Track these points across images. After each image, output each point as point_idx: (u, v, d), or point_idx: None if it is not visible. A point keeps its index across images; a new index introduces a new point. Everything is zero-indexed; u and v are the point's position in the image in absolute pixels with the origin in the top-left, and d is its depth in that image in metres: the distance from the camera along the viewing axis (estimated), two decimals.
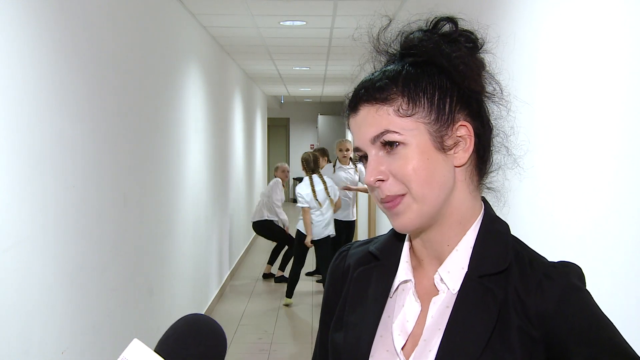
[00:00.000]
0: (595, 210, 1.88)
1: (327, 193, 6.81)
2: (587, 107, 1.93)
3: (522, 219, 2.47)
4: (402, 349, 1.03)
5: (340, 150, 7.68)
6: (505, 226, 1.06)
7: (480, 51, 1.08)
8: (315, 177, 6.80)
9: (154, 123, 4.49)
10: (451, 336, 0.99)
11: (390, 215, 1.04)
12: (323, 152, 8.01)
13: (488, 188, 1.11)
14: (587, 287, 1.03)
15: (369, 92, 1.03)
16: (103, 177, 3.33)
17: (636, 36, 1.66)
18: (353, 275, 1.14)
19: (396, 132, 1.00)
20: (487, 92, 1.07)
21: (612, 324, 0.97)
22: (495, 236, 1.04)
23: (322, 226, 6.83)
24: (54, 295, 2.72)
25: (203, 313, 1.01)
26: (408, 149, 1.00)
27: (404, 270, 1.08)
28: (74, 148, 2.93)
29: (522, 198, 2.50)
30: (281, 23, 6.38)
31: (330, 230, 6.89)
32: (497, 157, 1.09)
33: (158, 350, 0.90)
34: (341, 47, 7.73)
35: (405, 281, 1.08)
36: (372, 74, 1.07)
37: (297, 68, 10.02)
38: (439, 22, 1.08)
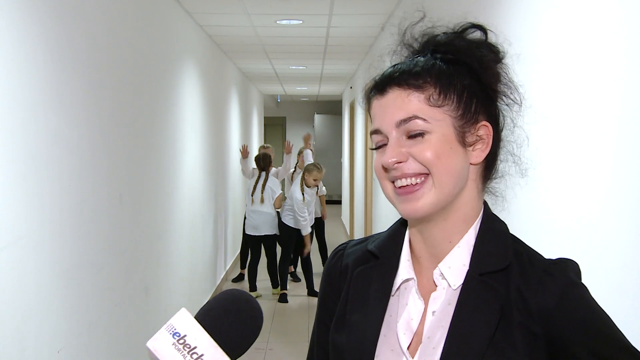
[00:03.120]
0: (591, 208, 1.88)
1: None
2: (585, 107, 1.94)
3: (519, 216, 2.47)
4: (408, 347, 1.04)
5: (315, 179, 7.42)
6: (504, 225, 1.08)
7: (501, 63, 1.10)
8: (263, 174, 7.41)
9: (150, 122, 4.48)
10: (456, 333, 1.00)
11: (401, 202, 1.04)
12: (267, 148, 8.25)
13: (491, 193, 1.13)
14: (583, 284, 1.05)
15: (402, 76, 1.03)
16: (99, 176, 3.32)
17: (635, 37, 1.66)
18: (353, 275, 1.13)
19: (424, 120, 1.01)
20: (507, 99, 1.10)
21: (610, 318, 0.99)
22: (495, 235, 1.06)
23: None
24: (49, 294, 2.71)
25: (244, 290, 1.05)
26: (432, 136, 1.01)
27: (406, 268, 1.09)
28: (70, 147, 2.93)
29: (521, 198, 2.50)
30: (278, 22, 6.37)
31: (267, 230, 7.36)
32: (503, 166, 1.12)
33: (200, 320, 0.93)
34: (338, 46, 7.73)
35: (407, 279, 1.08)
36: (403, 62, 1.07)
37: (294, 67, 10.01)
38: (467, 28, 1.11)
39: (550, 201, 2.18)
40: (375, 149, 1.07)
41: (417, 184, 1.02)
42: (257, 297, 7.28)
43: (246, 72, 10.64)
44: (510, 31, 2.62)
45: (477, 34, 1.10)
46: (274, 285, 7.56)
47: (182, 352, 0.89)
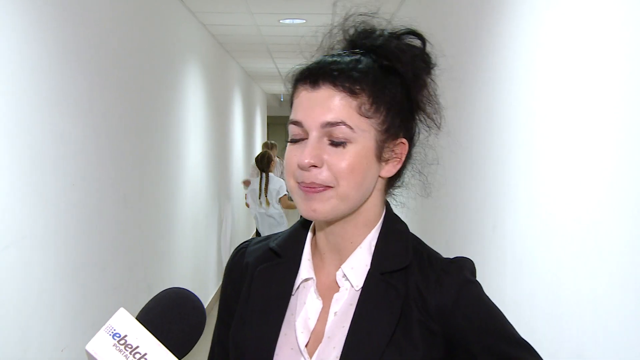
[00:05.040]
0: (593, 209, 1.88)
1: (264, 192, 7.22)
2: (586, 108, 1.93)
3: (521, 219, 2.47)
4: (306, 346, 1.04)
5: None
6: (404, 226, 1.10)
7: (430, 74, 1.09)
8: (263, 175, 7.23)
9: (153, 121, 4.49)
10: (356, 332, 1.00)
11: (303, 198, 1.02)
12: (272, 145, 8.18)
13: (394, 199, 1.13)
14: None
15: (340, 77, 1.00)
16: (103, 175, 3.33)
17: (635, 38, 1.66)
18: (254, 273, 1.11)
19: (350, 128, 0.99)
20: (427, 118, 1.09)
21: (502, 313, 1.03)
22: (396, 235, 1.07)
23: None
24: (53, 293, 2.72)
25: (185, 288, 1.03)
26: (353, 147, 1.00)
27: (306, 268, 1.08)
28: (74, 146, 2.93)
29: (521, 198, 2.50)
30: (281, 21, 6.38)
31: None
32: (407, 178, 1.12)
33: (141, 320, 0.91)
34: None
35: (307, 279, 1.08)
36: (341, 56, 1.05)
37: (297, 66, 9.99)
38: (408, 33, 1.08)
39: (552, 202, 2.18)
40: (291, 142, 1.03)
41: (322, 185, 1.00)
42: None
43: (249, 72, 10.65)
44: (512, 35, 2.62)
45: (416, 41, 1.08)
46: None
47: (124, 352, 0.87)
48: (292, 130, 1.03)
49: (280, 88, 13.93)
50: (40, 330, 2.60)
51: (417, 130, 1.09)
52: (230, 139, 8.61)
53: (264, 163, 7.24)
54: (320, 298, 1.06)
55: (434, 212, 3.91)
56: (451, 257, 1.08)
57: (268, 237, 1.17)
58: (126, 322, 0.89)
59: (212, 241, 7.07)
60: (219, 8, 5.84)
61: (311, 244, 1.12)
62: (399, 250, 1.05)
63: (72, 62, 2.93)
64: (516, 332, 1.02)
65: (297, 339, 1.04)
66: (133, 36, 4.00)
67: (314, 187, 1.00)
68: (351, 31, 1.10)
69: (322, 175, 0.99)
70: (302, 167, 1.00)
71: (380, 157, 1.03)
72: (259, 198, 7.22)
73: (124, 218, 3.71)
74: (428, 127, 1.10)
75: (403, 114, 1.05)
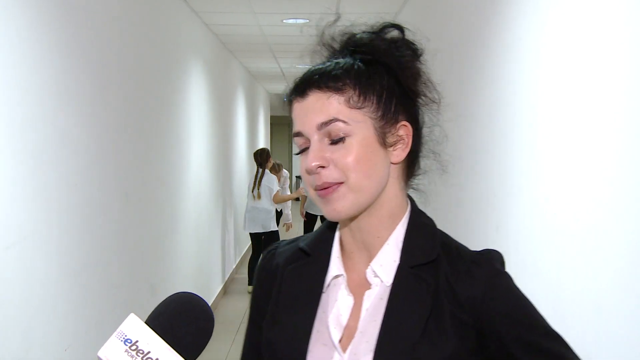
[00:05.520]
0: (596, 209, 1.88)
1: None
2: (589, 108, 1.93)
3: (525, 219, 2.47)
4: (339, 342, 1.05)
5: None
6: (431, 220, 1.12)
7: (419, 60, 1.12)
8: (260, 170, 7.44)
9: (156, 121, 4.49)
10: (389, 325, 1.02)
11: (323, 202, 1.05)
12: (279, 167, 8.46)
13: (414, 189, 1.15)
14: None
15: (322, 79, 1.05)
16: (105, 174, 3.33)
17: (637, 38, 1.66)
18: (284, 273, 1.14)
19: (344, 122, 1.03)
20: (426, 98, 1.12)
21: (532, 304, 1.04)
22: (423, 229, 1.09)
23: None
24: (56, 292, 2.73)
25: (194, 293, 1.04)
26: (353, 139, 1.03)
27: (336, 265, 1.11)
28: (77, 146, 2.94)
29: (524, 199, 2.50)
30: (284, 21, 6.38)
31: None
32: (425, 162, 1.14)
33: (150, 325, 0.92)
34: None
35: (337, 276, 1.10)
36: (324, 63, 1.09)
37: (300, 66, 9.96)
38: (386, 27, 1.12)
39: (555, 202, 2.18)
40: (299, 153, 1.08)
41: (334, 183, 1.03)
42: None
43: (252, 71, 10.65)
44: (515, 35, 2.62)
45: (395, 33, 1.12)
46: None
47: (136, 358, 0.88)
48: (297, 142, 1.08)
49: (284, 88, 13.93)
50: (43, 329, 2.61)
51: (420, 113, 1.12)
52: (233, 139, 8.62)
53: (263, 158, 7.38)
54: (351, 294, 1.08)
55: (437, 212, 3.90)
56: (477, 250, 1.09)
57: (297, 239, 1.20)
58: (137, 328, 0.90)
59: (215, 240, 7.08)
60: (222, 8, 5.85)
61: (339, 245, 1.13)
62: (426, 244, 1.07)
63: (74, 62, 2.93)
64: (548, 323, 1.03)
65: (330, 335, 1.06)
66: (136, 35, 4.00)
67: (327, 188, 1.03)
68: (332, 42, 1.14)
69: (330, 173, 1.03)
70: (310, 172, 1.04)
71: (384, 143, 1.05)
72: (252, 191, 7.38)
73: (127, 217, 3.71)
74: (430, 106, 1.12)
75: (397, 98, 1.07)
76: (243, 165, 9.41)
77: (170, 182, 4.91)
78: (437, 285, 1.03)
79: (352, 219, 1.08)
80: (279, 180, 7.89)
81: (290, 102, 1.10)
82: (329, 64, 1.08)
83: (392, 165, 1.08)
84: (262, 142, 12.83)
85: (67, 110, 2.84)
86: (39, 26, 2.58)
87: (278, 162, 8.56)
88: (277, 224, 7.83)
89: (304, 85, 1.07)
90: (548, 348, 1.00)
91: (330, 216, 1.06)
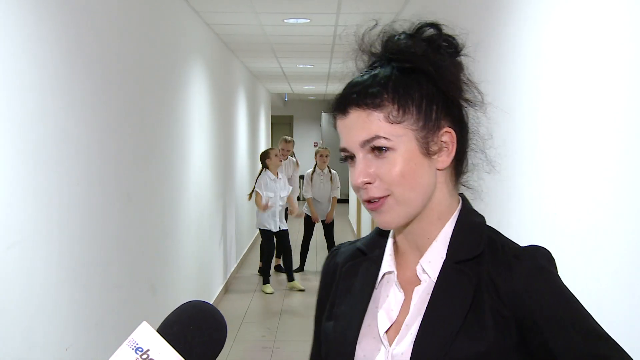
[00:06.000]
0: (596, 209, 1.88)
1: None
2: (590, 108, 1.93)
3: (526, 219, 2.47)
4: (387, 333, 1.09)
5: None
6: (480, 218, 1.13)
7: (460, 55, 1.12)
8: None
9: (157, 120, 4.50)
10: (429, 319, 1.05)
11: (374, 215, 1.09)
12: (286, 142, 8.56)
13: (464, 186, 1.17)
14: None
15: (360, 97, 1.06)
16: (107, 174, 3.33)
17: (637, 38, 1.66)
18: (342, 270, 1.21)
19: (386, 138, 1.05)
20: (467, 98, 1.12)
21: (578, 301, 1.02)
22: (470, 226, 1.11)
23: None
24: (57, 291, 2.73)
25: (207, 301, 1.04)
26: (396, 154, 1.05)
27: (388, 262, 1.15)
28: (78, 145, 2.94)
29: (525, 198, 2.50)
30: (285, 21, 6.38)
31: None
32: (472, 159, 1.16)
33: (161, 333, 0.92)
34: (345, 45, 7.71)
35: (389, 272, 1.14)
36: (362, 77, 1.10)
37: (301, 66, 10.01)
38: (422, 27, 1.12)
39: (555, 202, 2.18)
40: (344, 161, 1.12)
41: (381, 197, 1.07)
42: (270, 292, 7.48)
43: (254, 71, 10.65)
44: (517, 35, 2.62)
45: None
46: (289, 279, 7.66)
47: None
48: (342, 155, 1.12)
49: (285, 87, 13.95)
50: (44, 329, 2.61)
51: (464, 114, 1.12)
52: (235, 139, 8.62)
53: (262, 159, 7.47)
54: (402, 290, 1.11)
55: None
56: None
57: (357, 240, 1.26)
58: (148, 336, 0.90)
59: (217, 241, 7.08)
60: (224, 7, 5.85)
61: (393, 245, 1.17)
62: (472, 240, 1.08)
63: (76, 62, 2.93)
64: (596, 323, 1.01)
65: (377, 328, 1.10)
66: (137, 35, 4.00)
67: (375, 202, 1.07)
68: (372, 48, 1.14)
69: (376, 188, 1.06)
70: (357, 188, 1.08)
71: (428, 152, 1.07)
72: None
73: (128, 217, 3.72)
74: (473, 107, 1.13)
75: (438, 106, 1.07)
76: (244, 165, 9.41)
77: (171, 182, 4.92)
78: (479, 280, 1.04)
79: (404, 225, 1.12)
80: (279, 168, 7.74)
81: (334, 117, 1.13)
82: (366, 77, 1.09)
83: (438, 171, 1.09)
84: (263, 142, 12.83)
85: (68, 110, 2.84)
86: (40, 26, 2.58)
87: (286, 149, 8.52)
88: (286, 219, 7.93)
89: (344, 103, 1.09)
90: (589, 348, 0.98)
91: (382, 227, 1.11)
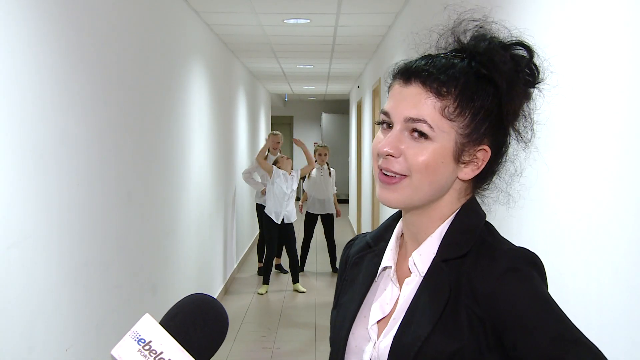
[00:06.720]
0: (598, 209, 1.88)
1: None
2: (591, 108, 1.93)
3: (527, 219, 2.47)
4: (379, 325, 1.13)
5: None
6: (478, 219, 1.12)
7: (535, 87, 1.11)
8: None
9: (158, 121, 4.50)
10: (410, 313, 1.07)
11: (381, 187, 1.10)
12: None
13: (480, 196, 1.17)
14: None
15: (429, 78, 1.05)
16: (107, 174, 3.33)
17: (637, 38, 1.66)
18: (351, 261, 1.25)
19: (430, 127, 1.05)
20: (518, 129, 1.11)
21: (555, 305, 1.00)
22: (465, 226, 1.11)
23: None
24: (57, 292, 2.73)
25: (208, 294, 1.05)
26: (431, 145, 1.05)
27: (387, 257, 1.18)
28: (78, 146, 2.94)
29: (525, 199, 2.50)
30: (285, 21, 6.38)
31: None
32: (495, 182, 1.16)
33: (164, 325, 0.93)
34: (345, 46, 7.72)
35: (386, 267, 1.17)
36: (440, 58, 1.08)
37: (301, 66, 10.01)
38: (517, 44, 1.11)
39: (557, 201, 2.18)
40: (379, 124, 1.10)
41: (396, 177, 1.07)
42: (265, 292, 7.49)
43: (254, 71, 10.65)
44: (517, 34, 2.62)
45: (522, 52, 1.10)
46: (294, 281, 7.63)
47: (148, 358, 0.89)
48: (381, 117, 1.11)
49: (285, 88, 13.95)
50: (45, 330, 2.61)
51: (508, 141, 1.12)
52: (235, 139, 8.62)
53: (274, 164, 7.54)
54: (398, 285, 1.14)
55: None
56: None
57: (370, 232, 1.29)
58: (151, 328, 0.91)
59: (217, 241, 7.08)
60: (224, 8, 5.85)
61: (399, 238, 1.20)
62: (461, 240, 1.09)
63: (76, 62, 2.93)
64: (570, 327, 0.99)
65: (369, 319, 1.13)
66: (137, 36, 4.00)
67: (389, 177, 1.07)
68: (462, 35, 1.12)
69: (398, 164, 1.06)
70: (380, 154, 1.08)
71: (458, 159, 1.07)
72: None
73: (128, 218, 3.72)
74: (518, 140, 1.12)
75: (490, 123, 1.07)
76: (244, 165, 9.40)
77: (172, 182, 4.92)
78: (458, 279, 1.05)
79: (406, 214, 1.14)
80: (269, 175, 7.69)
81: (393, 77, 1.11)
82: (444, 62, 1.07)
83: (458, 179, 1.10)
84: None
85: (68, 110, 2.84)
86: (40, 26, 2.58)
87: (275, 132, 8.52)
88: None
89: (410, 73, 1.07)
90: (555, 352, 0.96)
91: (381, 201, 1.10)
